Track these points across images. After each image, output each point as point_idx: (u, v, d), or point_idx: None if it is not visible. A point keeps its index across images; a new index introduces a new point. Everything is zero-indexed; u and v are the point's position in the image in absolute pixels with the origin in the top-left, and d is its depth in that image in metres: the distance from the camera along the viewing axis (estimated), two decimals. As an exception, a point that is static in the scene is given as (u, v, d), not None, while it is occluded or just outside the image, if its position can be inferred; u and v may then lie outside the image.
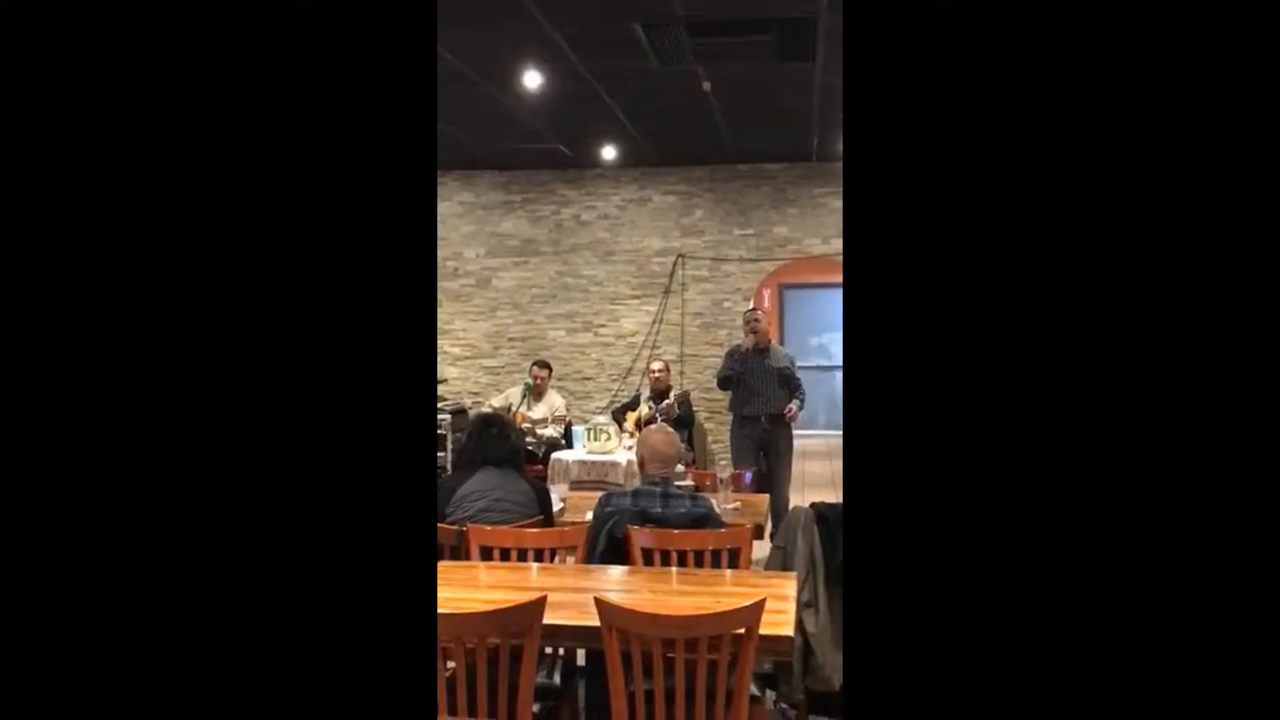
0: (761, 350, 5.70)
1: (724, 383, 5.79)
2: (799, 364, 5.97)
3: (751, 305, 8.32)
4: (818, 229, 8.03)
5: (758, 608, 2.20)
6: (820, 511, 3.32)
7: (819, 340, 11.21)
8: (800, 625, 3.00)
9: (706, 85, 5.51)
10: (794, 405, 5.60)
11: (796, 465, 6.02)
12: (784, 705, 3.20)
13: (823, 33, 4.63)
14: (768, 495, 4.66)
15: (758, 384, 5.67)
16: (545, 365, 6.85)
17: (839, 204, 7.99)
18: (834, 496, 6.32)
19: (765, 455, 5.71)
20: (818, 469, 7.47)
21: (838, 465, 8.65)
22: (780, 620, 2.40)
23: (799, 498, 5.79)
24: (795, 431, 5.87)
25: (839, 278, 9.72)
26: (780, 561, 3.26)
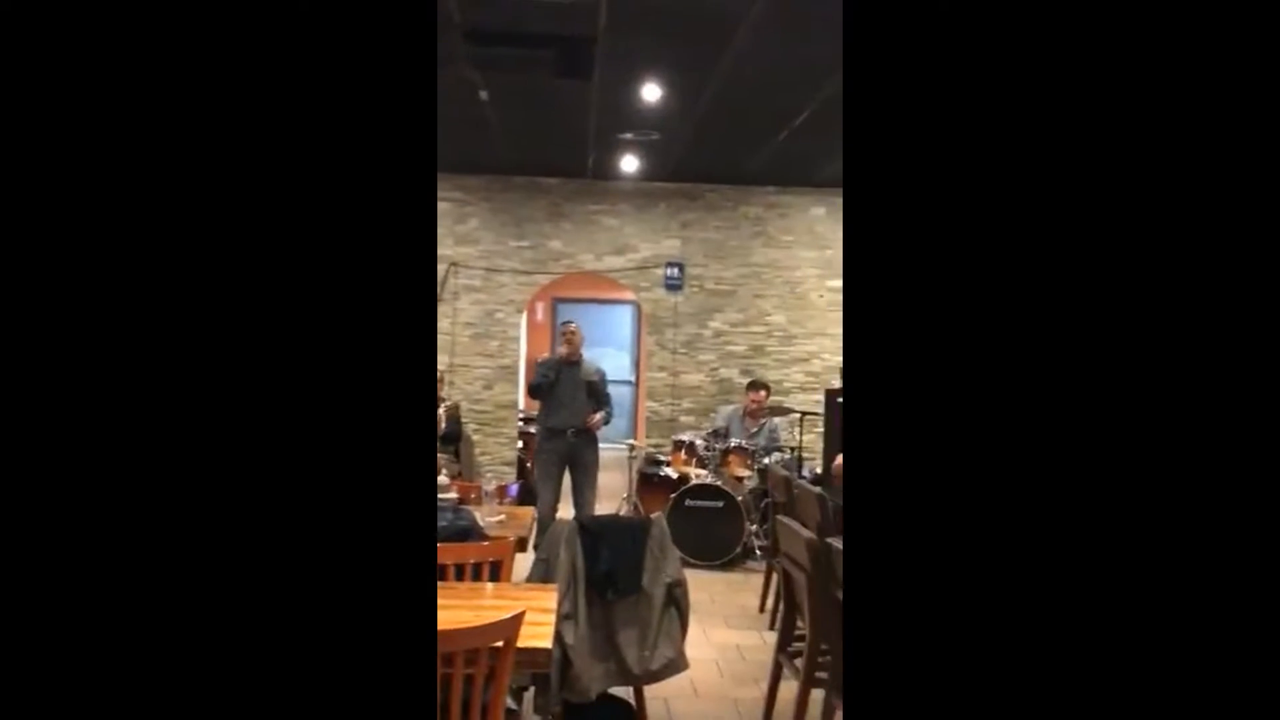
0: (573, 361, 5.72)
1: (535, 390, 5.77)
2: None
3: (524, 316, 8.33)
4: (591, 245, 8.14)
5: (516, 620, 2.20)
6: (583, 523, 3.36)
7: (589, 354, 11.36)
8: (559, 637, 3.02)
9: (484, 94, 5.47)
10: (598, 416, 5.69)
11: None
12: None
13: (601, 53, 4.71)
14: (533, 508, 4.67)
15: (566, 395, 5.68)
16: None
17: (613, 221, 8.15)
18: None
19: (571, 469, 5.73)
20: (609, 480, 7.49)
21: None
22: (539, 633, 2.40)
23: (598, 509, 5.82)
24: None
25: (612, 293, 9.91)
26: (542, 573, 3.27)
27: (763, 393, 6.74)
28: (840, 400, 7.09)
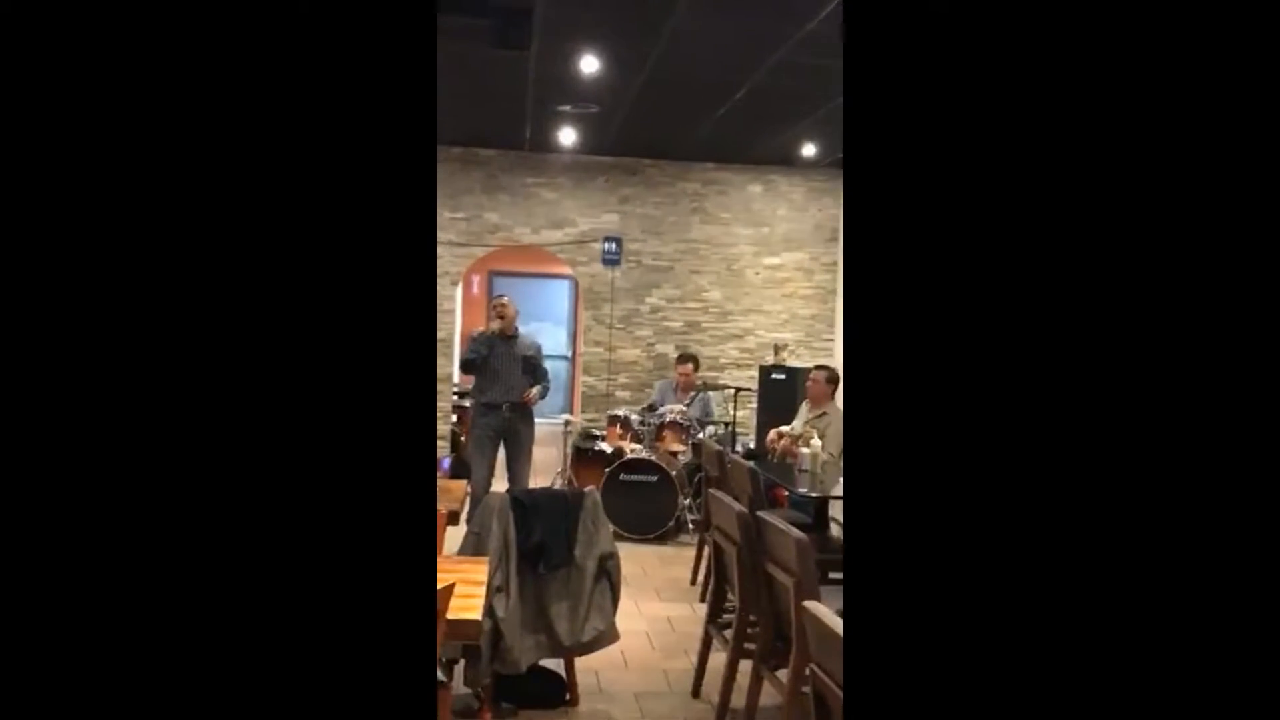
0: (508, 336, 5.64)
1: (466, 366, 5.68)
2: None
3: (459, 289, 8.25)
4: (528, 218, 8.09)
5: (447, 593, 2.20)
6: (516, 496, 3.36)
7: (526, 329, 11.30)
8: (490, 610, 3.03)
9: (420, 62, 5.39)
10: (534, 391, 5.62)
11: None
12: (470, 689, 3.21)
13: (539, 24, 4.66)
14: (466, 482, 4.65)
15: (502, 370, 5.60)
16: None
17: (551, 195, 8.10)
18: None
19: (506, 444, 5.68)
20: (544, 455, 7.46)
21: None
22: (470, 605, 2.41)
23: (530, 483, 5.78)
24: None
25: (548, 267, 9.85)
26: (473, 546, 3.27)
27: (689, 365, 6.81)
28: (773, 375, 7.20)
